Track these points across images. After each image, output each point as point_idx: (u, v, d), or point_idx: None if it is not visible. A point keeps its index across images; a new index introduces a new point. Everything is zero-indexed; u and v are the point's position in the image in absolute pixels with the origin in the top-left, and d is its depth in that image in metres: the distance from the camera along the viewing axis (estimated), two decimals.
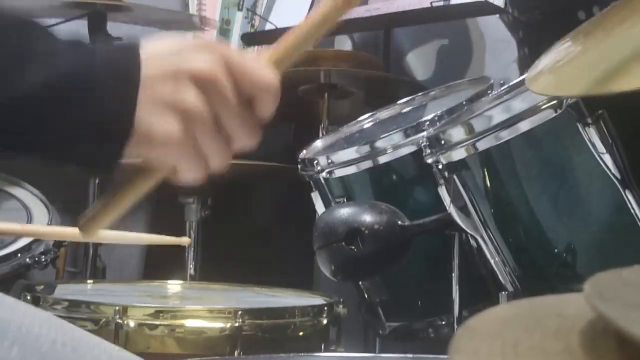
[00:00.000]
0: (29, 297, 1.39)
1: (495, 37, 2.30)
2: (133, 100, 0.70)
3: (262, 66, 0.73)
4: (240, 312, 1.34)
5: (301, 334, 1.42)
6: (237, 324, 1.33)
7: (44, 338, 0.83)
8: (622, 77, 0.84)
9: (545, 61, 1.03)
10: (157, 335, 1.35)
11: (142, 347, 1.32)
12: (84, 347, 0.86)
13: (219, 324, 1.35)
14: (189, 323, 1.36)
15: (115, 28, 2.19)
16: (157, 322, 1.35)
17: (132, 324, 1.34)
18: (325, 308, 1.47)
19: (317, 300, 1.57)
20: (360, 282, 1.57)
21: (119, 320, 1.32)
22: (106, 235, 1.33)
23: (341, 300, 1.51)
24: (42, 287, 1.46)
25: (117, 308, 1.34)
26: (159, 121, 0.70)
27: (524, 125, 1.12)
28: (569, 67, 0.97)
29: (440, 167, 1.25)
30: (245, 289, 1.76)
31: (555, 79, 0.99)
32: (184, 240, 1.44)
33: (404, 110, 1.80)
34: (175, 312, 1.38)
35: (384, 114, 1.79)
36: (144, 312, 1.37)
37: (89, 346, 0.87)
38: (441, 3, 2.08)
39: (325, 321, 1.45)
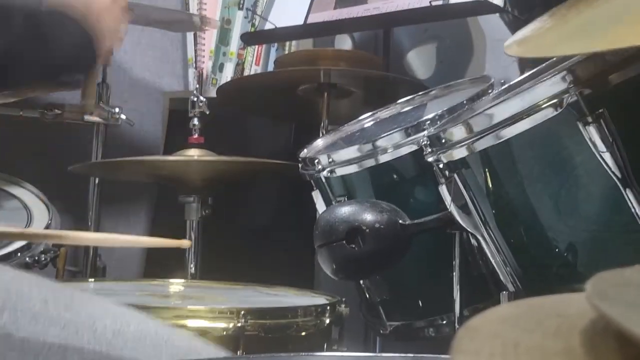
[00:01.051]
0: None
1: (495, 36, 2.30)
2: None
3: None
4: (242, 312, 1.34)
5: (304, 333, 1.42)
6: (239, 324, 1.33)
7: (35, 299, 0.83)
8: (600, 39, 0.84)
9: (524, 31, 1.03)
10: None
11: None
12: (77, 305, 0.86)
13: (221, 324, 1.35)
14: (192, 323, 1.36)
15: None
16: None
17: None
18: (328, 308, 1.47)
19: (320, 299, 1.56)
20: (361, 281, 1.57)
21: None
22: (105, 238, 1.32)
23: (343, 299, 1.51)
24: None
25: None
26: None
27: (525, 124, 1.11)
28: (548, 33, 0.97)
29: (441, 166, 1.25)
30: (247, 287, 1.75)
31: (533, 44, 0.99)
32: (184, 243, 1.43)
33: (405, 110, 1.80)
34: (177, 312, 1.38)
35: (384, 113, 1.79)
36: (146, 312, 1.36)
37: (82, 303, 0.87)
38: (440, 2, 2.08)
39: (327, 321, 1.45)
